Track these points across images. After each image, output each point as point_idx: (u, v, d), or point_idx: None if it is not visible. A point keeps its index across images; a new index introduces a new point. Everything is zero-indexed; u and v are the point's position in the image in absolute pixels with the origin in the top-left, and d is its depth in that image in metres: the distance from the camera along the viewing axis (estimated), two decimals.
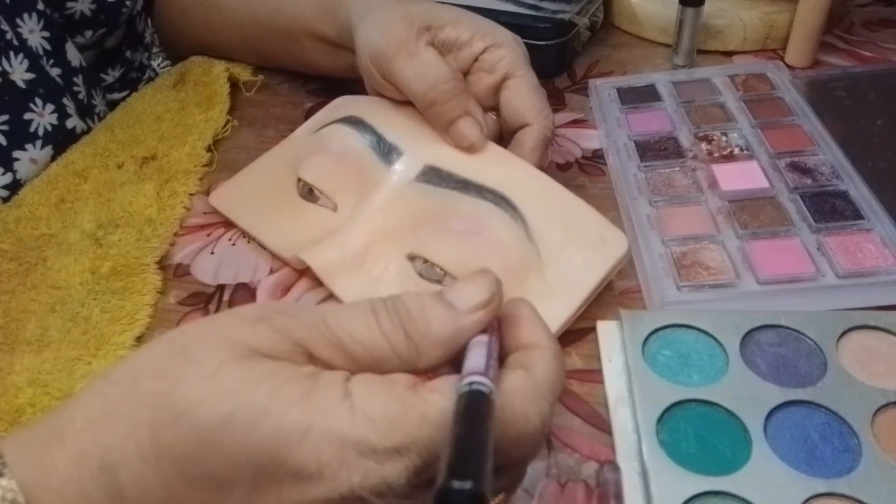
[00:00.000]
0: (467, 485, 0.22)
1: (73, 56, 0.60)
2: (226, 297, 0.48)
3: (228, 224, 0.52)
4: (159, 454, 0.25)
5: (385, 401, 0.25)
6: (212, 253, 0.51)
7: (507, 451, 0.26)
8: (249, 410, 0.24)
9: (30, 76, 0.55)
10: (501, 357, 0.29)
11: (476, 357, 0.27)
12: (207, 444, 0.24)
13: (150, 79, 0.71)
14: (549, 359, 0.28)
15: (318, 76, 0.66)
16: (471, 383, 0.25)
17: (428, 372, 0.28)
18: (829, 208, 0.48)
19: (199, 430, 0.24)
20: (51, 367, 0.41)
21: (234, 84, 0.64)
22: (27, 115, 0.55)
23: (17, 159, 0.54)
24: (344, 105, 0.53)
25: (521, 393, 0.27)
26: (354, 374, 0.27)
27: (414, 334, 0.28)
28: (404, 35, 0.47)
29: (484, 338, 0.28)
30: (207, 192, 0.54)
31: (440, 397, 0.25)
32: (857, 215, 0.47)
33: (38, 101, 0.55)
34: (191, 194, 0.54)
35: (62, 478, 0.25)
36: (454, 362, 0.28)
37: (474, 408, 0.24)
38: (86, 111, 0.60)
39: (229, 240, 0.52)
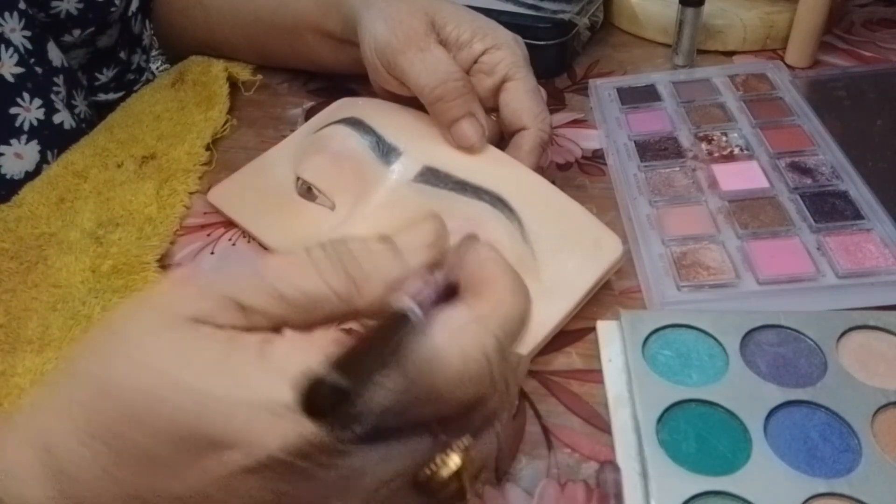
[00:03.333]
0: (342, 381, 0.21)
1: (55, 56, 0.59)
2: None
3: (228, 224, 0.52)
4: (91, 433, 0.25)
5: (304, 355, 0.24)
6: (212, 253, 0.51)
7: (453, 393, 0.25)
8: (164, 383, 0.24)
9: (19, 70, 0.54)
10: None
11: (409, 286, 0.26)
12: (131, 418, 0.25)
13: (148, 81, 0.71)
14: (500, 292, 0.27)
15: (318, 75, 0.66)
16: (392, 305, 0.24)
17: (369, 311, 0.27)
18: (829, 208, 0.48)
19: (121, 405, 0.25)
20: (53, 368, 0.41)
21: (234, 84, 0.64)
22: (13, 110, 0.54)
23: (1, 154, 0.54)
24: (344, 107, 0.53)
25: (457, 329, 0.26)
26: (277, 333, 0.26)
27: (354, 272, 0.27)
28: (413, 29, 0.47)
29: (426, 273, 0.27)
30: (207, 192, 0.54)
31: None
32: (857, 215, 0.47)
33: (26, 95, 0.55)
34: (191, 193, 0.54)
35: (11, 460, 0.26)
36: None
37: (387, 321, 0.24)
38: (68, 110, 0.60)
39: (229, 240, 0.51)
